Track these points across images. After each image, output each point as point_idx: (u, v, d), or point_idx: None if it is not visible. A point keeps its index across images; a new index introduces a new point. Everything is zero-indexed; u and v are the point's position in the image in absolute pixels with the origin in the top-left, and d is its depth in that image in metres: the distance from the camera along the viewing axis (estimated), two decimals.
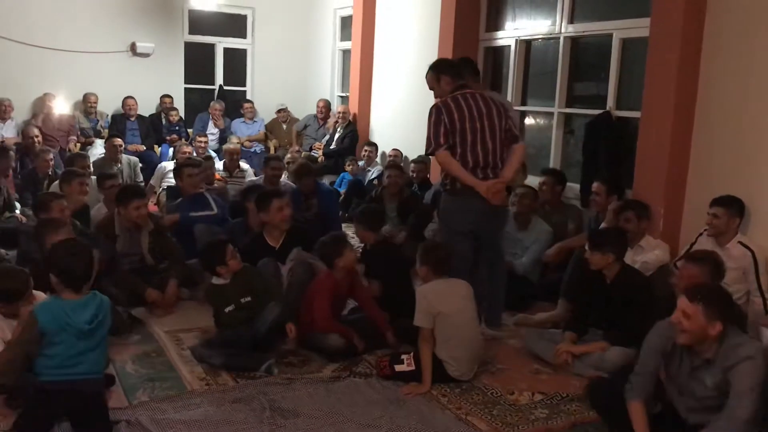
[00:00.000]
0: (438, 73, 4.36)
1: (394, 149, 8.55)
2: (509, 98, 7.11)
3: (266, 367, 3.74)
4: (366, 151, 8.79)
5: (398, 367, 3.72)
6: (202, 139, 8.72)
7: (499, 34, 7.38)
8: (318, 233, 4.70)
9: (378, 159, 8.92)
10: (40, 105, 9.14)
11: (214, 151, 9.52)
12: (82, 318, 2.86)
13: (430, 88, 4.42)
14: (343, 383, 3.68)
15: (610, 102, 5.97)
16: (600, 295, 3.96)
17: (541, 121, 7.07)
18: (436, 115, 4.16)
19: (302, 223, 5.40)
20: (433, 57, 7.67)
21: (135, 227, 4.95)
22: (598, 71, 6.27)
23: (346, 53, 10.24)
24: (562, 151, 6.68)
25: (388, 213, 6.29)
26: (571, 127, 6.67)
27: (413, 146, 8.11)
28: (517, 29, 7.17)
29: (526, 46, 7.12)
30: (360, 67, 9.39)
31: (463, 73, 4.43)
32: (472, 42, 7.50)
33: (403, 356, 3.75)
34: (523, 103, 7.19)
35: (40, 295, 3.33)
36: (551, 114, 6.73)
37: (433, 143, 4.17)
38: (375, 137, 9.31)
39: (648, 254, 4.57)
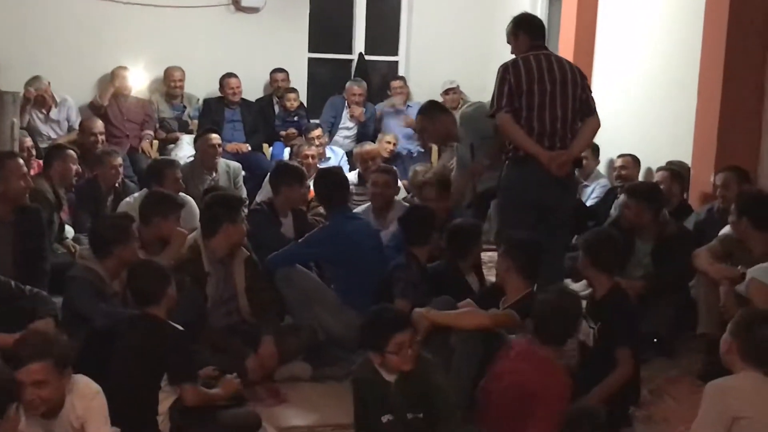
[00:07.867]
0: (517, 29, 5.70)
1: (623, 156, 8.22)
2: None
3: None
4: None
5: None
6: (316, 132, 8.89)
7: None
8: None
9: (602, 168, 8.76)
10: (106, 84, 9.47)
11: (348, 153, 9.62)
12: None
13: (508, 43, 5.82)
14: None
15: None
16: None
17: None
18: (501, 74, 5.51)
19: None
20: (694, 24, 7.41)
21: (228, 258, 5.30)
22: None
23: (554, 4, 10.20)
24: None
25: (639, 255, 6.11)
26: None
27: (656, 151, 8.05)
28: None
29: None
30: (575, 26, 9.27)
31: (545, 34, 5.83)
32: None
33: None
34: None
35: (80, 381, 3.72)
36: None
37: (495, 105, 5.50)
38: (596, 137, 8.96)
39: None
